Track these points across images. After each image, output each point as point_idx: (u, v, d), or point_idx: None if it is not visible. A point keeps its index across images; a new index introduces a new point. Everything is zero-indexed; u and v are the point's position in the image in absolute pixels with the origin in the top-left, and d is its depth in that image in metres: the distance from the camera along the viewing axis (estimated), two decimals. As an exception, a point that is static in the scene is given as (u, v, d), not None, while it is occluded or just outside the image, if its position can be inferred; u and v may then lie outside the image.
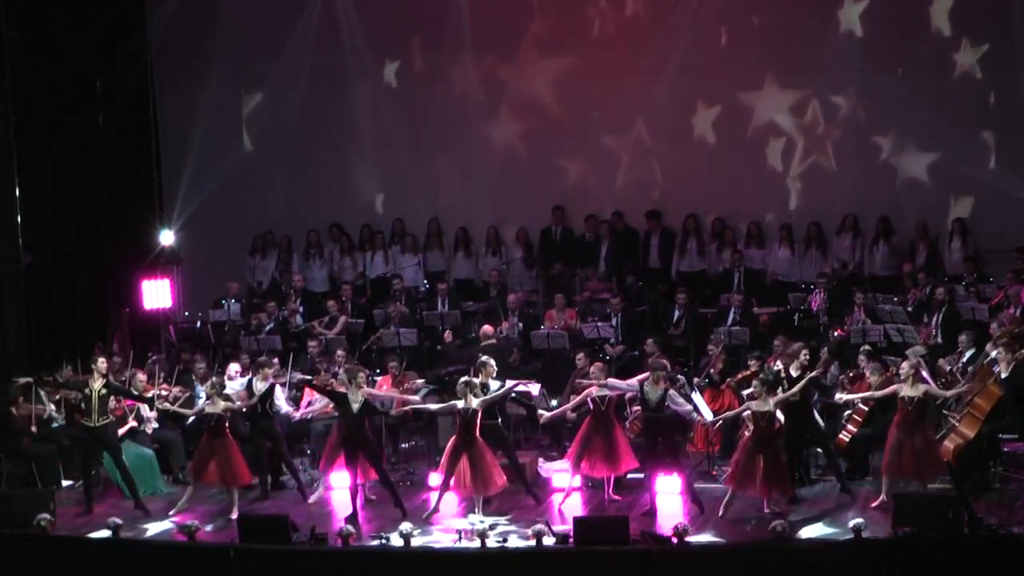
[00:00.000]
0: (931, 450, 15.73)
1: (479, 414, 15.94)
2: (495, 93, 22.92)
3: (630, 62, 22.21)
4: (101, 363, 16.81)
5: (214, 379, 16.99)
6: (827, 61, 21.77)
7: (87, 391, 16.66)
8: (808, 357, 16.46)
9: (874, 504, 15.65)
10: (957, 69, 21.35)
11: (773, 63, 22.04)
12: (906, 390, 15.68)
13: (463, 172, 23.08)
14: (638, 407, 16.93)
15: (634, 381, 16.26)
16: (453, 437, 16.12)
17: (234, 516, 15.92)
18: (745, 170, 22.21)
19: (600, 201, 22.54)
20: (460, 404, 15.95)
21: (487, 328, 18.78)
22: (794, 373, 16.31)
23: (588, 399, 16.32)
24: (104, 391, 16.61)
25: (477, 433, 15.90)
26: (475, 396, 15.95)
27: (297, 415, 17.83)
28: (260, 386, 16.94)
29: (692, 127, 22.38)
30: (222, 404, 16.45)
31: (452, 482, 15.91)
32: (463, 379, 16.22)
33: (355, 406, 16.06)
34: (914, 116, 21.58)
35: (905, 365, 15.96)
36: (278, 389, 17.27)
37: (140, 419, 17.70)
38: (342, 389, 16.42)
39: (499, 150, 23.02)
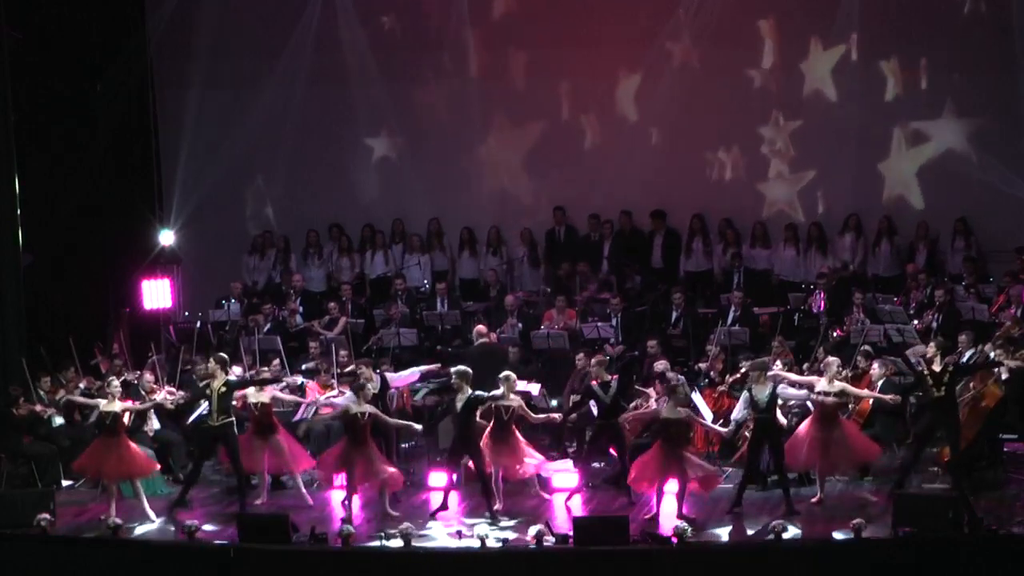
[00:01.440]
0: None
1: (368, 417, 16.09)
2: (496, 91, 22.91)
3: (633, 62, 22.24)
4: (211, 365, 16.83)
5: (112, 379, 17.08)
6: (828, 62, 21.78)
7: (208, 391, 16.71)
8: (936, 349, 16.09)
9: (814, 500, 15.89)
10: (957, 68, 21.34)
11: (775, 62, 22.08)
12: (823, 386, 15.99)
13: (464, 172, 23.07)
14: (637, 408, 16.94)
15: (741, 401, 16.36)
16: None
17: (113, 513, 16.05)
18: (748, 170, 22.24)
19: (603, 200, 22.54)
20: (354, 407, 16.12)
21: (480, 327, 18.79)
22: (937, 368, 15.98)
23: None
24: (224, 390, 16.64)
25: (368, 435, 16.06)
26: (366, 400, 16.19)
27: (298, 415, 17.86)
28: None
29: (695, 127, 22.37)
30: (119, 405, 16.50)
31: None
32: (362, 378, 16.55)
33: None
34: (914, 117, 21.61)
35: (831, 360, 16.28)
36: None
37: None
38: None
39: (500, 149, 23.02)
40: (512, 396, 16.26)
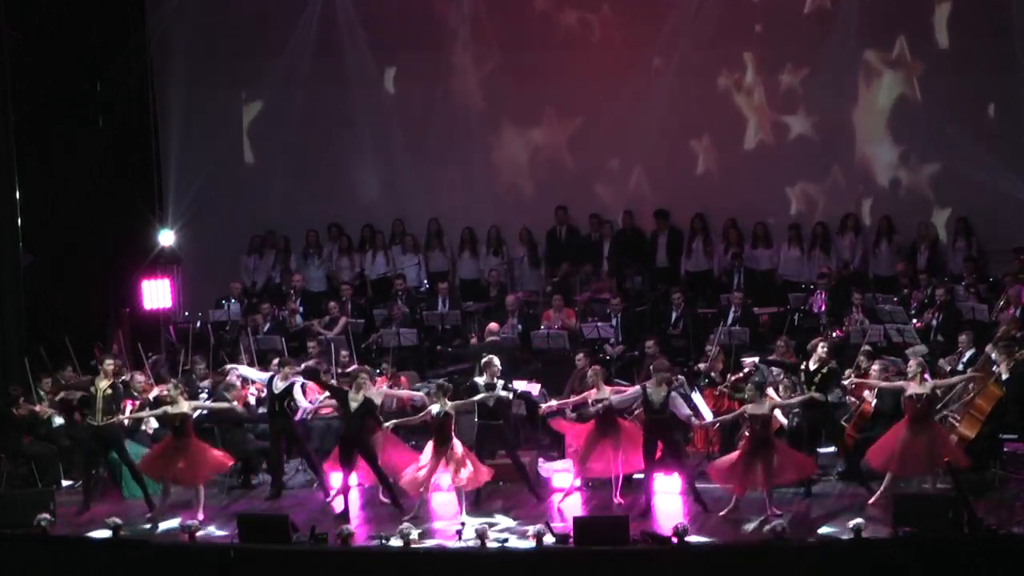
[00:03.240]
0: (940, 445, 15.64)
1: (452, 417, 16.00)
2: (496, 91, 22.91)
3: (633, 62, 22.25)
4: (108, 364, 16.84)
5: (175, 380, 17.11)
6: (828, 64, 21.79)
7: (92, 390, 16.73)
8: (826, 350, 16.30)
9: (872, 501, 15.67)
10: (957, 70, 21.35)
11: (772, 64, 22.09)
12: (914, 388, 15.70)
13: (464, 172, 23.08)
14: (639, 409, 16.94)
15: (636, 387, 16.31)
16: (430, 441, 16.10)
17: (200, 516, 15.96)
18: (751, 170, 22.25)
19: (605, 200, 22.54)
20: (434, 408, 16.02)
21: (493, 325, 18.79)
22: (812, 367, 16.21)
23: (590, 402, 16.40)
24: (109, 391, 16.62)
25: (452, 434, 15.97)
26: (448, 399, 16.05)
27: (299, 414, 17.85)
28: (280, 384, 16.97)
29: (694, 126, 22.39)
30: (187, 404, 16.49)
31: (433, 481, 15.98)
32: (437, 382, 16.46)
33: (353, 405, 16.18)
34: (914, 117, 21.62)
35: (912, 363, 16.03)
36: (297, 388, 17.24)
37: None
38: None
39: (500, 148, 23.04)
40: (606, 389, 16.28)
